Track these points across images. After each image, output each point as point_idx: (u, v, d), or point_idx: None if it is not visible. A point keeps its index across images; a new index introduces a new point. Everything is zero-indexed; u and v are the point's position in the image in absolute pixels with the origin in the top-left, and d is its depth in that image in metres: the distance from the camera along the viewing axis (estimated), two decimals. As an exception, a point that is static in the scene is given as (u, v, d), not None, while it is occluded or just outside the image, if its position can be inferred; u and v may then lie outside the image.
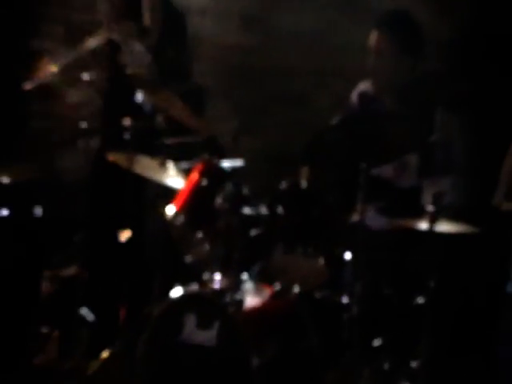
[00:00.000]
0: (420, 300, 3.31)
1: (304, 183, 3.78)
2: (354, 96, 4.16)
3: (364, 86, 4.13)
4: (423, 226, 3.34)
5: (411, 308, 3.34)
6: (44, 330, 4.28)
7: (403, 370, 3.45)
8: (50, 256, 4.61)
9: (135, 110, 4.17)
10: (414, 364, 3.38)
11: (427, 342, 3.24)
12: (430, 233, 3.28)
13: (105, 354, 4.11)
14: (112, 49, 4.68)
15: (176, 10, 5.01)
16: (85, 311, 4.17)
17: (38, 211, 4.20)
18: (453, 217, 3.34)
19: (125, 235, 3.77)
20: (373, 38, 3.94)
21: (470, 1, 4.58)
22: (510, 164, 3.57)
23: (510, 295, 3.58)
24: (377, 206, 3.76)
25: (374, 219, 3.80)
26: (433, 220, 3.29)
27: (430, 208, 3.30)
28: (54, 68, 4.43)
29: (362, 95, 4.11)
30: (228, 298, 3.47)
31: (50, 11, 5.68)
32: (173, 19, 4.89)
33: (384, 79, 3.95)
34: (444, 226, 3.32)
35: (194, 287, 3.60)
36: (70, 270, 4.59)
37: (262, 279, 3.68)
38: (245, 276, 3.65)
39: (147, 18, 4.60)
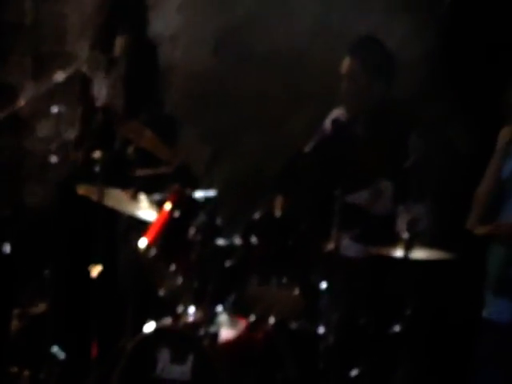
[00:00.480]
0: (396, 328, 3.29)
1: (278, 212, 3.78)
2: (328, 123, 4.17)
3: (337, 112, 4.15)
4: (398, 253, 3.34)
5: (388, 336, 3.32)
6: (13, 369, 4.26)
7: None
8: (19, 293, 4.58)
9: (106, 142, 4.18)
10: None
11: (404, 371, 3.23)
12: (406, 260, 3.28)
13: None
14: (82, 81, 4.69)
15: (148, 40, 5.03)
16: (55, 349, 4.13)
17: (6, 248, 4.17)
18: (427, 243, 3.35)
19: (96, 270, 3.75)
20: (345, 63, 3.98)
21: (441, 25, 4.62)
22: (483, 188, 3.58)
23: (485, 320, 3.60)
24: (352, 234, 3.76)
25: (350, 247, 3.80)
26: (408, 247, 3.29)
27: (404, 235, 3.30)
28: (22, 101, 4.41)
29: (336, 122, 4.13)
30: (202, 331, 3.46)
31: (19, 43, 5.69)
32: (145, 49, 4.90)
33: (357, 104, 3.98)
34: (419, 253, 3.33)
35: (168, 321, 3.58)
36: (40, 308, 4.55)
37: (236, 311, 3.66)
38: (219, 308, 3.63)
39: (118, 48, 4.61)
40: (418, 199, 3.47)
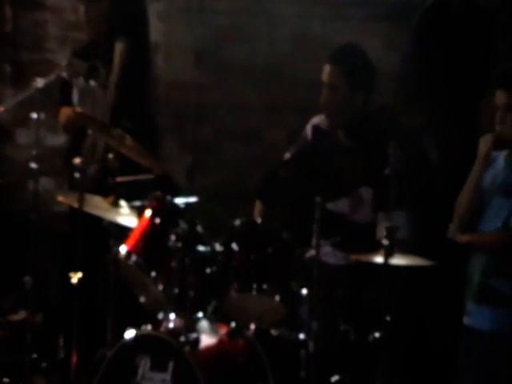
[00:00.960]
0: (377, 335, 3.31)
1: (259, 220, 3.80)
2: (308, 129, 4.21)
3: (318, 118, 4.18)
4: (379, 260, 3.36)
5: (368, 343, 3.34)
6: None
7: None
8: (-1, 300, 4.58)
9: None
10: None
11: (384, 378, 3.24)
12: (386, 267, 3.30)
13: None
14: (63, 88, 4.69)
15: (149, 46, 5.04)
16: (36, 357, 4.12)
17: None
18: (408, 250, 3.37)
19: (76, 277, 3.74)
20: (326, 71, 4.00)
21: (414, 36, 4.65)
22: (463, 197, 3.62)
23: (466, 327, 3.62)
24: (332, 241, 3.79)
25: (330, 254, 3.83)
26: (388, 254, 3.31)
27: (384, 242, 3.32)
28: (1, 108, 4.40)
29: (315, 129, 4.17)
30: (183, 338, 3.44)
31: (-2, 50, 5.69)
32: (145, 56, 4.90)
33: (337, 113, 4.01)
34: (399, 260, 3.34)
35: (148, 328, 3.57)
36: (20, 315, 4.54)
37: (217, 318, 3.67)
38: (200, 315, 3.64)
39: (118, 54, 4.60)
40: (398, 207, 3.50)
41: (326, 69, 4.00)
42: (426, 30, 4.56)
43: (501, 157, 3.62)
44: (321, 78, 4.02)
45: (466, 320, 3.62)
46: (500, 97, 3.53)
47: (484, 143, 3.58)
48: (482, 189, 3.60)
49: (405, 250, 3.36)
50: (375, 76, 4.03)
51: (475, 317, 3.57)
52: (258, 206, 4.14)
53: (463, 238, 3.56)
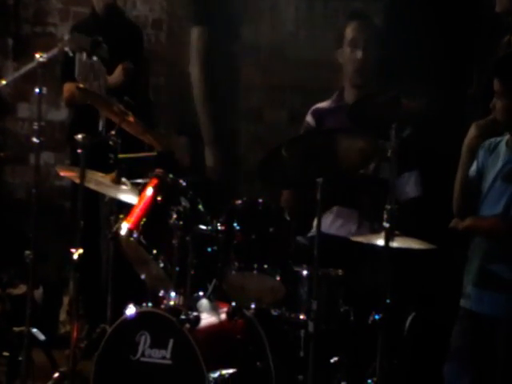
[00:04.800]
0: (376, 316, 3.32)
1: (260, 199, 3.80)
2: (309, 117, 4.21)
3: (322, 104, 4.19)
4: (379, 242, 3.38)
5: (367, 324, 3.35)
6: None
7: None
8: (0, 274, 4.57)
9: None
10: (370, 381, 3.40)
11: (383, 359, 3.25)
12: (386, 249, 3.31)
13: (56, 375, 4.09)
14: (66, 62, 4.67)
15: (133, 24, 5.02)
16: (35, 331, 4.13)
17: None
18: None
19: (77, 253, 3.74)
20: (352, 28, 4.06)
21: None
22: (456, 184, 3.64)
23: (463, 310, 3.64)
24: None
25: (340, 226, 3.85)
26: (389, 236, 3.32)
27: (385, 225, 3.33)
28: (3, 82, 4.39)
29: (316, 110, 4.18)
30: (183, 316, 3.43)
31: (0, 24, 5.65)
32: (129, 33, 4.90)
33: (368, 69, 4.05)
34: (399, 243, 3.36)
35: (149, 305, 3.57)
36: (20, 289, 4.54)
37: (217, 297, 3.67)
38: (200, 293, 3.65)
39: None
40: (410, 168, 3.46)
41: (352, 25, 4.06)
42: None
43: (503, 141, 3.63)
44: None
45: (463, 303, 3.62)
46: (495, 85, 3.56)
47: (471, 130, 3.63)
48: (480, 174, 3.63)
49: (407, 233, 3.38)
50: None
51: (474, 300, 3.58)
52: (284, 195, 4.15)
53: (463, 224, 3.57)
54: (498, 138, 3.62)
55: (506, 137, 3.61)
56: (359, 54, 4.06)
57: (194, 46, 4.72)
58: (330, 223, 4.05)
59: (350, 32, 4.09)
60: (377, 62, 4.10)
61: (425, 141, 3.79)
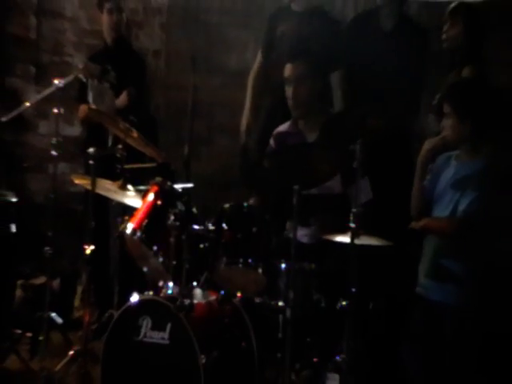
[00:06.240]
0: (343, 303, 3.25)
1: (245, 204, 3.70)
2: (271, 140, 4.08)
3: (281, 128, 4.06)
4: (346, 239, 3.30)
5: (336, 310, 3.28)
6: (17, 331, 4.16)
7: (330, 363, 3.38)
8: (23, 266, 4.50)
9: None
10: (339, 358, 3.31)
11: (349, 339, 3.19)
12: (352, 246, 3.23)
13: (71, 353, 4.00)
14: (80, 87, 4.61)
15: (137, 54, 4.95)
16: (54, 315, 4.05)
17: (12, 227, 4.10)
18: (371, 232, 3.31)
19: (89, 249, 3.67)
20: (290, 69, 3.88)
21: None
22: (413, 192, 3.60)
23: (418, 296, 3.58)
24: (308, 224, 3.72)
25: (304, 236, 3.76)
26: (354, 235, 3.25)
27: (352, 225, 3.26)
28: (26, 103, 4.33)
29: (276, 135, 4.05)
30: (179, 303, 3.34)
31: (23, 53, 5.61)
32: (134, 62, 4.82)
33: (302, 102, 3.88)
34: (363, 240, 3.27)
35: (150, 294, 3.48)
36: (40, 279, 4.48)
37: (208, 287, 3.57)
38: (194, 284, 3.55)
39: None
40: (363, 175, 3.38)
41: (288, 67, 3.89)
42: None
43: (453, 156, 3.60)
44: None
45: (418, 290, 3.58)
46: (445, 108, 3.52)
47: (425, 145, 3.59)
48: (434, 183, 3.59)
49: (369, 231, 3.30)
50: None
51: (427, 289, 3.54)
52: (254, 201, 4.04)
53: (419, 224, 3.53)
54: (450, 153, 3.60)
55: (456, 152, 3.58)
56: (289, 90, 3.92)
57: None
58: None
59: (285, 72, 3.96)
60: (314, 93, 3.92)
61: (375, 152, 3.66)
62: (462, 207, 3.43)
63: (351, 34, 4.55)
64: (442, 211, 3.53)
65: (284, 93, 3.95)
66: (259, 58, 4.69)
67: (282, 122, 4.06)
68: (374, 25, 4.47)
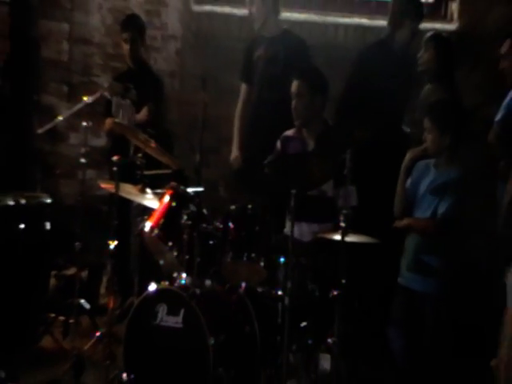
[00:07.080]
0: (335, 292, 3.26)
1: (249, 206, 3.70)
2: (278, 143, 4.10)
3: (287, 132, 4.08)
4: (337, 237, 3.30)
5: (328, 298, 3.28)
6: (51, 315, 4.17)
7: (323, 344, 3.39)
8: (56, 259, 4.51)
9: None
10: (330, 340, 3.31)
11: (340, 324, 3.19)
12: (342, 243, 3.24)
13: (97, 334, 4.01)
14: (106, 103, 4.62)
15: (155, 75, 4.95)
16: (83, 301, 4.06)
17: (47, 225, 4.11)
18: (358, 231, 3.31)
19: (113, 244, 3.67)
20: (294, 86, 3.91)
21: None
22: (396, 196, 3.61)
23: (400, 286, 3.58)
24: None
25: (300, 234, 3.76)
26: (344, 233, 3.25)
27: (342, 224, 3.26)
28: (60, 117, 4.34)
29: (282, 138, 4.07)
30: (191, 292, 3.37)
31: (57, 74, 5.62)
32: (153, 82, 4.83)
33: (300, 115, 3.90)
34: (352, 238, 3.28)
35: (166, 283, 3.49)
36: (71, 270, 4.48)
37: (216, 278, 3.58)
38: (204, 275, 3.54)
39: None
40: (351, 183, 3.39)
41: (294, 84, 3.92)
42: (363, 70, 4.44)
43: (431, 163, 3.62)
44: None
45: (400, 280, 3.58)
46: (425, 123, 3.53)
47: (408, 155, 3.60)
48: (415, 188, 3.59)
49: (356, 230, 3.29)
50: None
51: (409, 280, 3.54)
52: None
53: (402, 223, 3.54)
54: (428, 160, 3.61)
55: (432, 160, 3.60)
56: (293, 103, 3.95)
57: None
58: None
59: (292, 87, 3.98)
60: (315, 106, 3.93)
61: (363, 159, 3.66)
62: (441, 210, 3.45)
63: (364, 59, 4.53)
64: (422, 213, 3.54)
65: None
66: (243, 88, 4.74)
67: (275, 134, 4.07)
68: (386, 50, 4.45)
